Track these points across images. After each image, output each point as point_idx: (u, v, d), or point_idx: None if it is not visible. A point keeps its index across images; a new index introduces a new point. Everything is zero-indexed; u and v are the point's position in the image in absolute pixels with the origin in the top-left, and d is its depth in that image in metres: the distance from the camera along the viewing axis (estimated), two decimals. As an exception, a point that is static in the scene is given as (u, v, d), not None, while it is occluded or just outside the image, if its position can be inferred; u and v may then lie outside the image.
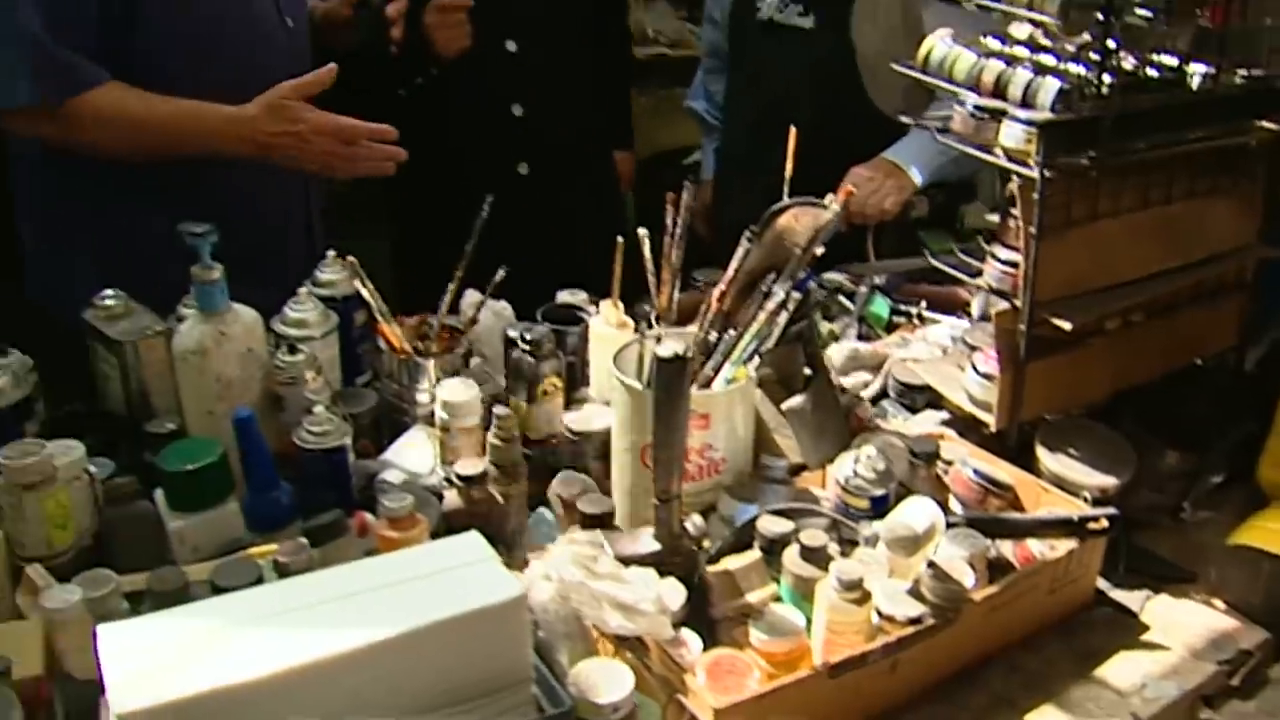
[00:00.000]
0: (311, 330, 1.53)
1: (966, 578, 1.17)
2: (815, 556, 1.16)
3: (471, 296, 1.61)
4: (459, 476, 1.27)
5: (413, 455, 1.46)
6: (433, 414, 1.49)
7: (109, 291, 1.55)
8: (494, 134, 2.35)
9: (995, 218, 1.60)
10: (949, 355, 1.63)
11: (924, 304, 1.92)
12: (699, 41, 3.99)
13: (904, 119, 1.64)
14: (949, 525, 1.23)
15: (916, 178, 2.21)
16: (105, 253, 1.89)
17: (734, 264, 1.39)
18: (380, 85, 2.27)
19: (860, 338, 1.87)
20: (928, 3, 2.22)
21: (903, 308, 1.94)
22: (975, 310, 1.80)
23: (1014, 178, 1.43)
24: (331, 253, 1.66)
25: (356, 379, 1.66)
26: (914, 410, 1.63)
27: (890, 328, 1.91)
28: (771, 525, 1.20)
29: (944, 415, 1.57)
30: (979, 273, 1.55)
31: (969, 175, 2.32)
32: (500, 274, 1.49)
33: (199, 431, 1.45)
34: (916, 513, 1.16)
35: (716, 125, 2.72)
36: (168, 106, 1.78)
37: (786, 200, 1.47)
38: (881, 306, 1.92)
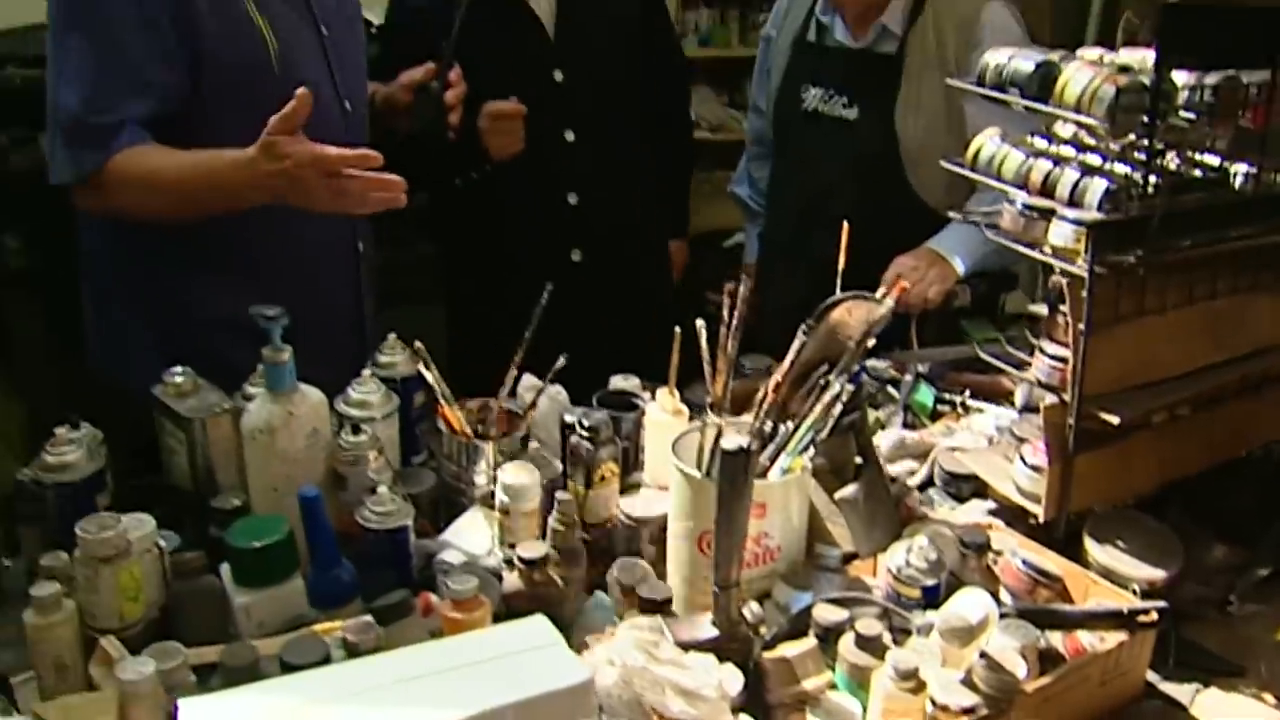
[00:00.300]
0: (374, 411, 1.57)
1: (1019, 668, 1.19)
2: (871, 645, 1.18)
3: (529, 381, 1.65)
4: (521, 559, 1.30)
5: (471, 536, 1.49)
6: (490, 496, 1.52)
7: (177, 369, 1.60)
8: (548, 221, 2.40)
9: (1037, 307, 1.64)
10: (996, 445, 1.66)
11: (968, 393, 1.95)
12: (740, 126, 4.08)
13: (951, 215, 1.67)
14: (1000, 616, 1.25)
15: (959, 267, 2.24)
16: (157, 319, 1.95)
17: (790, 356, 1.43)
18: (435, 174, 2.34)
19: (905, 425, 1.90)
20: (970, 97, 2.26)
21: (947, 396, 1.96)
22: (1019, 400, 1.82)
23: (1057, 271, 1.47)
24: (392, 335, 1.71)
25: (413, 459, 1.70)
26: (960, 499, 1.65)
27: (935, 416, 1.94)
28: (827, 613, 1.22)
29: (990, 505, 1.59)
30: (1024, 365, 1.58)
31: (1010, 264, 2.36)
32: (560, 362, 1.53)
33: (263, 508, 1.49)
34: (971, 604, 1.18)
35: (760, 211, 2.77)
36: (184, 159, 1.79)
37: (839, 294, 1.51)
38: (926, 395, 1.95)
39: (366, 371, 1.62)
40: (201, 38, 1.81)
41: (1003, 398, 1.92)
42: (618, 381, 1.76)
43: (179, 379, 1.60)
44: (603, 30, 2.43)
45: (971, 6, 2.32)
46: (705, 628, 1.19)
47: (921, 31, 2.33)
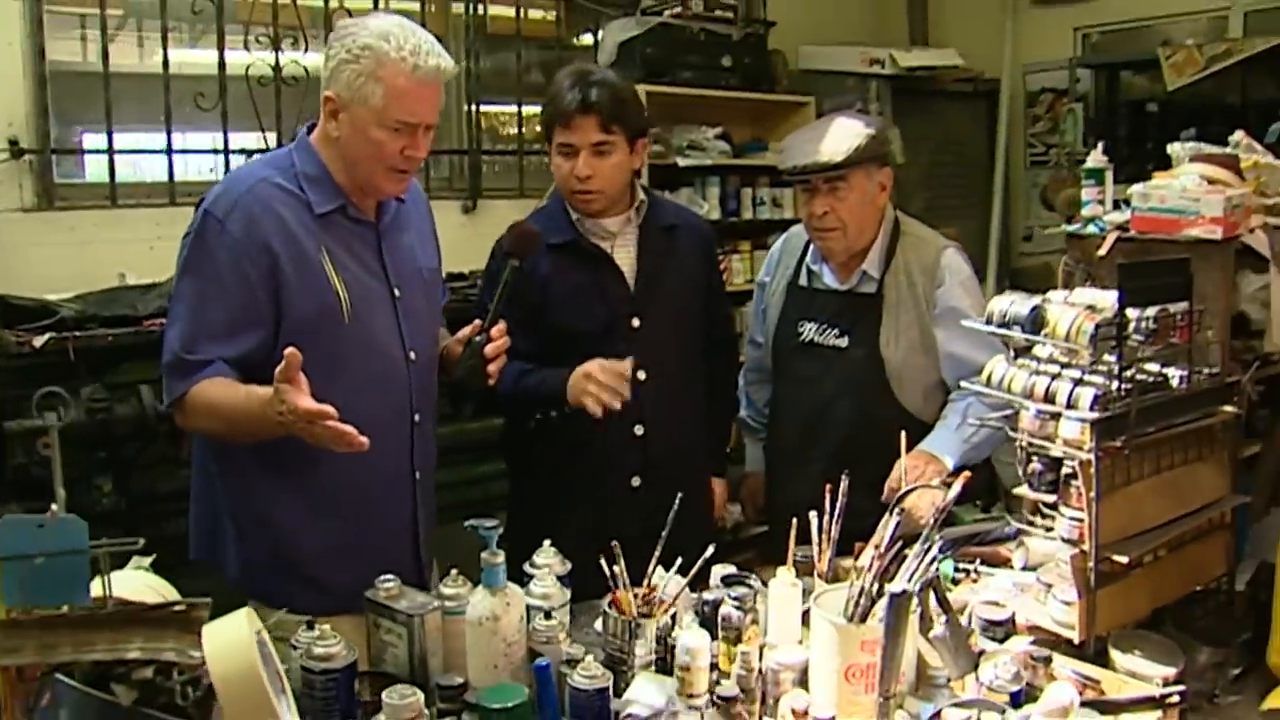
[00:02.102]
0: (554, 601, 2.01)
1: (1093, 742, 1.66)
2: (992, 731, 1.64)
3: (661, 574, 2.08)
4: (721, 698, 1.74)
5: (647, 693, 1.89)
6: (651, 664, 1.96)
7: (387, 577, 2.01)
8: (615, 449, 2.76)
9: (1020, 490, 2.15)
10: (1025, 591, 2.14)
11: (979, 561, 2.44)
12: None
13: (986, 421, 2.15)
14: (1072, 707, 1.72)
15: (949, 463, 2.69)
16: (240, 521, 2.33)
17: (889, 535, 1.90)
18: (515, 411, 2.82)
19: (934, 590, 2.38)
20: (938, 324, 2.85)
21: (960, 565, 2.45)
22: (1017, 563, 2.34)
23: (1033, 459, 2.01)
24: (547, 542, 2.15)
25: (566, 638, 2.11)
26: (999, 640, 2.11)
27: (954, 581, 2.43)
28: (955, 714, 1.68)
29: (1028, 639, 2.07)
30: (1034, 529, 2.09)
31: (989, 457, 2.89)
32: (710, 551, 1.99)
33: (481, 683, 1.88)
34: (1062, 692, 1.66)
35: (759, 428, 3.23)
36: (237, 394, 2.12)
37: (906, 485, 2.01)
38: (948, 565, 2.43)
39: (540, 570, 2.06)
40: (284, 292, 2.23)
41: (1003, 563, 2.42)
42: (718, 570, 2.20)
43: (390, 584, 2.01)
44: (674, 286, 2.87)
45: (932, 255, 2.90)
46: (870, 731, 1.64)
47: (895, 274, 2.88)
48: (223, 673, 1.27)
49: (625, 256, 2.83)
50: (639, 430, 2.79)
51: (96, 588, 1.38)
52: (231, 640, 1.30)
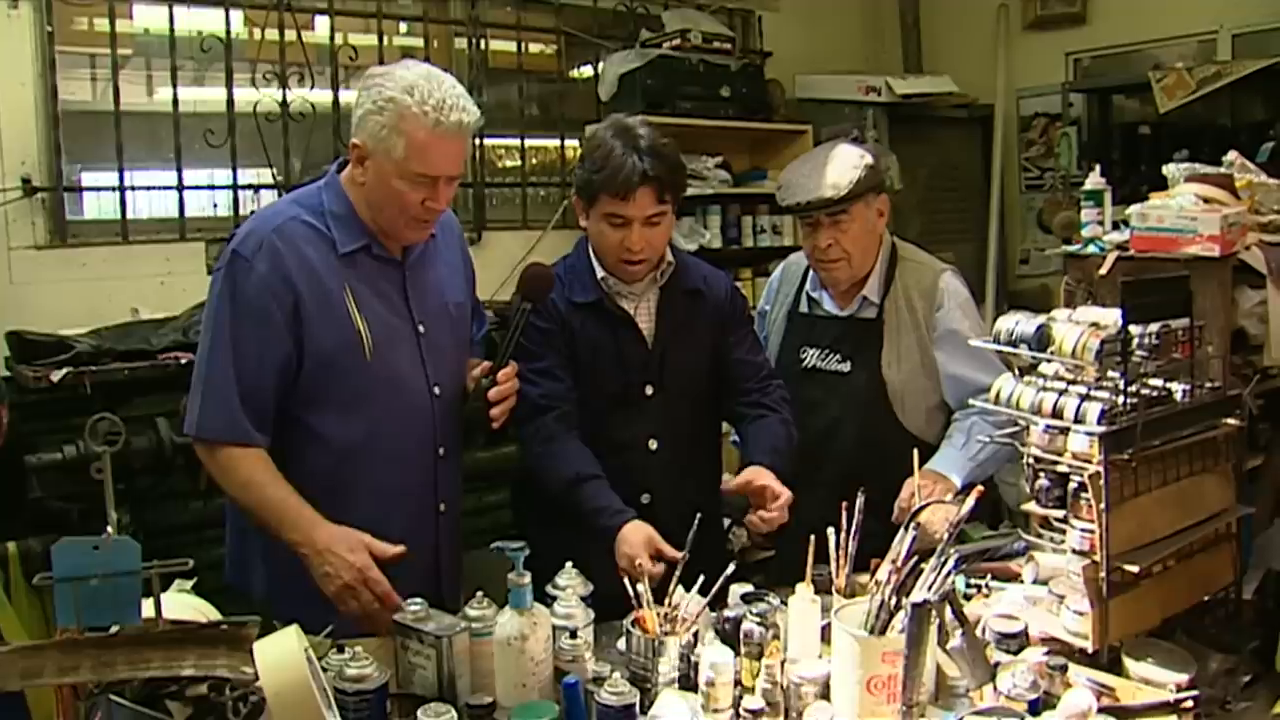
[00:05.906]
0: (578, 621, 2.05)
1: (1111, 747, 1.71)
2: (1013, 738, 1.68)
3: (681, 593, 2.12)
4: (748, 709, 1.78)
5: (672, 709, 1.93)
6: (674, 680, 1.99)
7: (414, 600, 2.05)
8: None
9: (1029, 506, 2.20)
10: (1038, 604, 2.19)
11: (990, 577, 2.48)
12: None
13: (996, 438, 2.20)
14: (1089, 714, 1.76)
15: (956, 481, 2.74)
16: (270, 549, 2.34)
17: (905, 550, 1.94)
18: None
19: (947, 605, 2.42)
20: (939, 346, 2.91)
21: (972, 581, 2.50)
22: (1027, 577, 2.38)
23: (1040, 475, 2.06)
24: (569, 563, 2.19)
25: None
26: (1012, 652, 2.16)
27: (966, 597, 2.47)
28: (976, 721, 1.73)
29: (1042, 649, 2.11)
30: (1039, 546, 2.14)
31: (990, 477, 2.94)
32: (730, 571, 2.03)
33: (509, 701, 1.93)
34: (1080, 698, 1.71)
35: (764, 455, 3.29)
36: (276, 492, 2.24)
37: (920, 502, 2.06)
38: (960, 581, 2.47)
39: (563, 593, 2.10)
40: (307, 327, 2.30)
41: (1013, 578, 2.46)
42: (736, 589, 2.24)
43: (415, 608, 2.04)
44: (692, 354, 2.79)
45: (930, 279, 2.95)
46: (896, 738, 1.68)
47: (894, 299, 2.94)
48: (275, 686, 1.32)
49: (646, 319, 2.76)
50: (645, 499, 2.71)
51: (146, 608, 1.43)
52: (282, 655, 1.34)
